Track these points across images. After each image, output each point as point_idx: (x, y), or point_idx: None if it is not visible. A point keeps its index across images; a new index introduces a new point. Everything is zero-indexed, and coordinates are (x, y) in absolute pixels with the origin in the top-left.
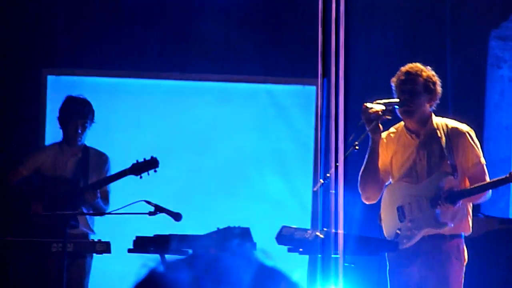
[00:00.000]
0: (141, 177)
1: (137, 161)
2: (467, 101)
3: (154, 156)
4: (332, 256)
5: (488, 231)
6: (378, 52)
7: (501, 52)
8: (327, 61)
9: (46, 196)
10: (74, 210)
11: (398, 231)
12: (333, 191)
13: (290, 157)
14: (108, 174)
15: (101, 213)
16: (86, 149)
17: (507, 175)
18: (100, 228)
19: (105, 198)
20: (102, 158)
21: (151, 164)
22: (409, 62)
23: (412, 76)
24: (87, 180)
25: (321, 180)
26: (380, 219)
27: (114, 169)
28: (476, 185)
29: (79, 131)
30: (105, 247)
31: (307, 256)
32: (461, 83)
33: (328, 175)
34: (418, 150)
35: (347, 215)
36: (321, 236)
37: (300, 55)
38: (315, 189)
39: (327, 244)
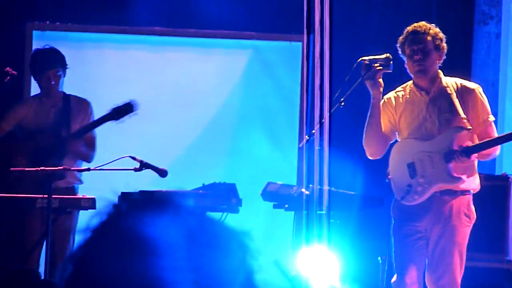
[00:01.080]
0: (122, 122)
1: (116, 105)
2: (453, 58)
3: (132, 100)
4: (318, 212)
5: None
6: (365, 8)
7: (488, 9)
8: (313, 17)
9: (30, 149)
10: (59, 160)
11: (408, 188)
12: (319, 148)
13: (276, 113)
14: (88, 120)
15: (87, 169)
16: (67, 97)
17: (496, 136)
18: (86, 183)
19: (91, 144)
20: (83, 104)
21: (129, 108)
22: (394, 19)
23: (420, 35)
24: (69, 129)
25: (307, 137)
26: (388, 177)
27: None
28: (489, 139)
29: (52, 81)
30: (90, 203)
31: (292, 213)
32: (447, 40)
33: (313, 131)
34: (428, 107)
35: (333, 172)
36: (307, 192)
37: (286, 11)
38: (300, 145)
39: (312, 200)
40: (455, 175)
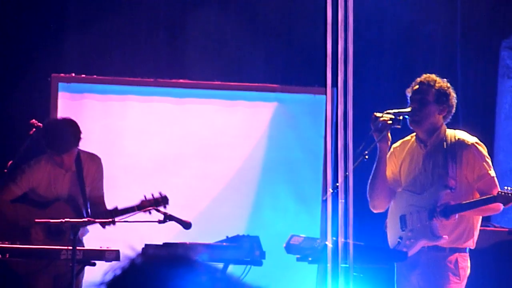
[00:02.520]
0: (150, 213)
1: (145, 197)
2: (477, 112)
3: (164, 194)
4: (341, 265)
5: (497, 242)
6: (388, 62)
7: None
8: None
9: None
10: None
11: (399, 240)
12: (343, 200)
13: (300, 166)
14: (99, 176)
15: (112, 220)
16: (79, 159)
17: (495, 194)
18: (109, 236)
19: (101, 203)
20: (94, 161)
21: (161, 201)
22: (419, 71)
23: (424, 86)
24: (85, 195)
25: (331, 189)
26: (386, 227)
27: (122, 176)
28: (467, 201)
29: (65, 161)
30: (114, 255)
31: (316, 266)
32: (471, 94)
33: (337, 184)
34: (424, 160)
35: (356, 224)
36: (330, 245)
37: (310, 64)
38: (324, 198)
39: (336, 253)
40: (437, 233)
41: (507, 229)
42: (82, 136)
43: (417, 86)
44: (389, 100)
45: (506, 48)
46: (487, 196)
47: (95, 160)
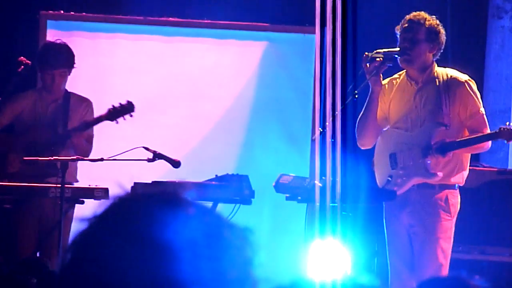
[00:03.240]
0: (117, 122)
1: (113, 106)
2: (467, 52)
3: (130, 100)
4: (330, 204)
5: (486, 182)
6: (379, 1)
7: (502, 3)
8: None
9: (26, 144)
10: (56, 155)
11: (389, 178)
12: (332, 140)
13: (289, 105)
14: (89, 116)
15: (100, 159)
16: (68, 95)
17: (497, 130)
18: (98, 174)
19: (89, 141)
20: (84, 103)
21: (127, 108)
22: (410, 12)
23: (414, 25)
24: (66, 125)
25: (320, 129)
26: (373, 165)
27: None
28: (464, 138)
29: (56, 81)
30: (103, 193)
31: (305, 205)
32: (461, 34)
33: (326, 123)
34: (415, 97)
35: (346, 163)
36: (319, 184)
37: (300, 3)
38: (313, 137)
39: (325, 192)
40: (431, 171)
41: (496, 169)
42: (75, 64)
43: (406, 25)
44: (380, 39)
45: None
46: (490, 132)
47: (84, 101)
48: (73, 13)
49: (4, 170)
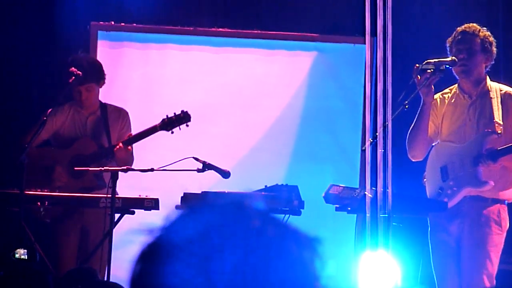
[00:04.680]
0: (172, 132)
1: (167, 116)
2: None
3: (185, 110)
4: (380, 215)
5: None
6: (429, 12)
7: None
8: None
9: (68, 157)
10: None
11: (440, 191)
12: (382, 150)
13: (339, 115)
14: (127, 129)
15: (150, 169)
16: (104, 107)
17: None
18: (148, 184)
19: (131, 154)
20: (121, 113)
21: (182, 118)
22: (460, 24)
23: (469, 36)
24: (109, 137)
25: (370, 139)
26: (425, 179)
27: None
28: None
29: (83, 96)
30: (153, 204)
31: (355, 215)
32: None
33: (377, 134)
34: (469, 111)
35: (395, 174)
36: (370, 195)
37: (350, 13)
38: (363, 148)
39: (375, 203)
40: (482, 179)
41: None
42: (105, 78)
43: (460, 36)
44: (429, 49)
45: None
46: None
47: (121, 112)
48: (123, 24)
49: (52, 183)
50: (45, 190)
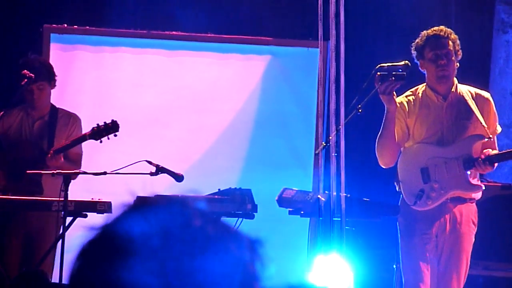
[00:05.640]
0: (101, 142)
1: (97, 125)
2: (472, 67)
3: (115, 119)
4: (334, 219)
5: (490, 197)
6: (382, 16)
7: (507, 17)
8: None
9: (9, 161)
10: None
11: (420, 192)
12: (335, 154)
13: (292, 119)
14: (77, 133)
15: (103, 172)
16: (55, 110)
17: (494, 151)
18: (101, 188)
19: (76, 161)
20: (71, 119)
21: (110, 128)
22: (411, 26)
23: (443, 40)
24: (52, 143)
25: (323, 143)
26: (398, 183)
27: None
28: (507, 150)
29: (35, 95)
30: (106, 207)
31: (308, 219)
32: (466, 48)
33: (330, 138)
34: (446, 112)
35: (348, 178)
36: (323, 199)
37: (303, 17)
38: (317, 151)
39: (328, 207)
40: (474, 183)
41: (500, 184)
42: (56, 80)
43: (435, 40)
44: (382, 54)
45: (501, 2)
46: None
47: (72, 117)
48: (76, 26)
49: None
50: None
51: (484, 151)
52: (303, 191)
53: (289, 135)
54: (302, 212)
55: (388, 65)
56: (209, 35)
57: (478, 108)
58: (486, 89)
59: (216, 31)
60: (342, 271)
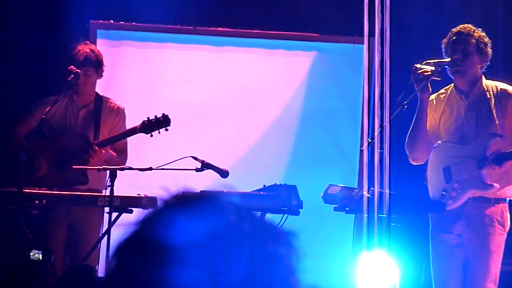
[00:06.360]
0: (151, 136)
1: (148, 118)
2: None
3: (166, 113)
4: (378, 216)
5: None
6: (428, 12)
7: None
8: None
9: (53, 150)
10: (84, 164)
11: (443, 192)
12: (380, 150)
13: (338, 115)
14: (120, 127)
15: (148, 168)
16: (99, 99)
17: None
18: (146, 183)
19: (122, 151)
20: (116, 110)
21: (162, 122)
22: (459, 23)
23: (464, 36)
24: (97, 133)
25: (369, 140)
26: (427, 180)
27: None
28: None
29: (81, 80)
30: (151, 203)
31: (353, 216)
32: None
33: (375, 134)
34: (467, 111)
35: (394, 174)
36: (368, 195)
37: (350, 13)
38: (362, 148)
39: (373, 203)
40: (488, 182)
41: None
42: (103, 69)
43: (455, 37)
44: (427, 50)
45: None
46: None
47: (116, 109)
48: (122, 22)
49: (32, 174)
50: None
51: (496, 150)
52: (348, 187)
53: (335, 132)
54: (347, 208)
55: (434, 61)
56: (255, 31)
57: (501, 105)
58: None
59: (263, 27)
60: (388, 268)
